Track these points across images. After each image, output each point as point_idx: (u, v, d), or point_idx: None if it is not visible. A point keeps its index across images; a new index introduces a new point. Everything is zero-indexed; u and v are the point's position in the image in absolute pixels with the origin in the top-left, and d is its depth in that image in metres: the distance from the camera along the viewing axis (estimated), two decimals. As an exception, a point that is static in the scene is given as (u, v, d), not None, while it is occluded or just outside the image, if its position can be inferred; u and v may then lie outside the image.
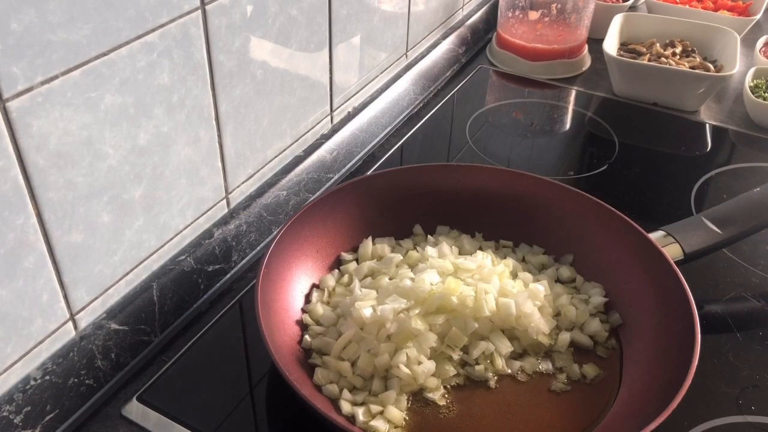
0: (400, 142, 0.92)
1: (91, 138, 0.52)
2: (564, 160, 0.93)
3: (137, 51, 0.53)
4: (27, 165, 0.48)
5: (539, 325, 0.61)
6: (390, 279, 0.65)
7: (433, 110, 0.99)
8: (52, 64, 0.47)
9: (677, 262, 0.63)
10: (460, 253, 0.69)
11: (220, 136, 0.65)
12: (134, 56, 0.53)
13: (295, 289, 0.65)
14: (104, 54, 0.51)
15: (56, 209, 0.51)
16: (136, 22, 0.52)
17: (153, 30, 0.54)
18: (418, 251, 0.69)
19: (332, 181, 0.83)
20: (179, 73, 0.58)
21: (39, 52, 0.46)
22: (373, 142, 0.91)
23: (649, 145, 0.95)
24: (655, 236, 0.66)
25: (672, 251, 0.65)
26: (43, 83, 0.47)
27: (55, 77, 0.48)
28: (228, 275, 0.70)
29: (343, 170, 0.85)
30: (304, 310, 0.64)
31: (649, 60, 1.01)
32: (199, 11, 0.58)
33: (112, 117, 0.53)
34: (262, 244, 0.73)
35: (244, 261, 0.71)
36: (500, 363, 0.60)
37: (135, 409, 0.57)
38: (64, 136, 0.50)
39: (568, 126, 1.00)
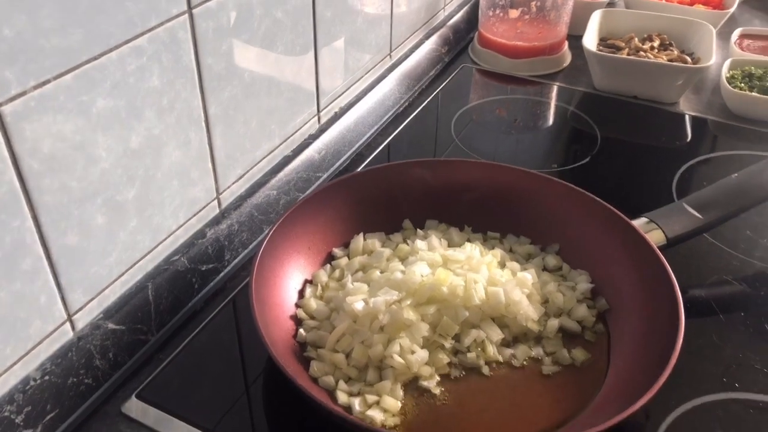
0: (386, 141, 0.94)
1: (84, 141, 0.53)
2: (548, 154, 0.95)
3: (127, 55, 0.54)
4: (22, 169, 0.49)
5: (528, 312, 0.63)
6: (381, 272, 0.66)
7: (418, 109, 1.01)
8: (44, 68, 0.48)
9: (660, 248, 0.65)
10: (449, 246, 0.71)
11: (209, 138, 0.67)
12: (124, 60, 0.54)
13: (289, 285, 0.66)
14: (95, 58, 0.52)
15: (52, 212, 0.52)
16: (125, 26, 0.53)
17: (142, 34, 0.55)
18: (408, 245, 0.70)
19: (321, 179, 0.84)
20: (168, 76, 0.59)
21: (32, 58, 0.47)
22: (360, 141, 0.92)
23: (631, 137, 0.97)
24: (638, 223, 0.68)
25: (655, 237, 0.67)
26: (36, 88, 0.48)
27: (48, 82, 0.49)
28: (221, 274, 0.71)
29: (332, 169, 0.86)
30: (297, 305, 0.65)
31: (628, 54, 1.03)
32: (186, 15, 0.59)
33: (105, 120, 0.54)
34: (254, 243, 0.74)
35: (236, 260, 0.72)
36: (491, 350, 0.61)
37: (134, 407, 0.58)
38: (57, 139, 0.51)
39: (550, 121, 1.02)
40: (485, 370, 0.61)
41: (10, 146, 0.47)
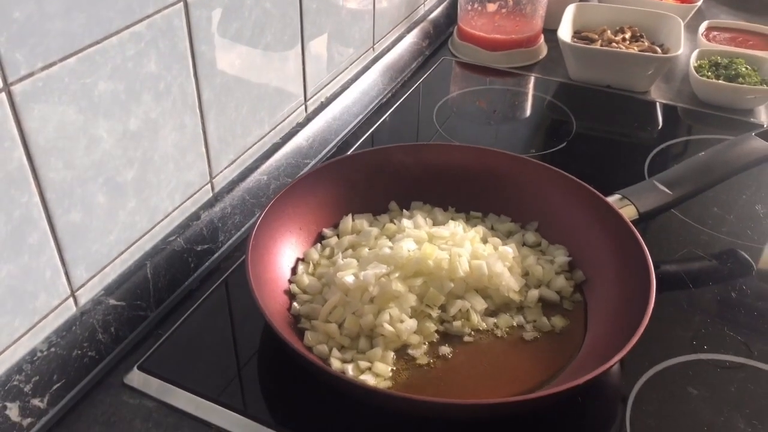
0: (371, 130, 0.97)
1: (87, 122, 0.56)
2: (526, 141, 0.99)
3: (127, 40, 0.57)
4: (30, 146, 0.51)
5: (510, 283, 0.66)
6: (369, 250, 0.69)
7: (401, 100, 1.04)
8: (50, 51, 0.51)
9: (633, 222, 0.69)
10: (433, 225, 0.74)
11: (203, 123, 0.69)
12: (124, 45, 0.57)
13: (282, 262, 0.69)
14: (97, 42, 0.54)
15: (57, 189, 0.55)
16: (125, 12, 0.56)
17: (140, 20, 0.58)
18: (395, 224, 0.73)
19: (309, 166, 0.87)
20: (165, 61, 0.62)
21: (39, 40, 0.50)
22: (346, 130, 0.95)
23: (605, 124, 1.01)
24: (612, 199, 0.71)
25: (628, 212, 0.71)
26: (43, 69, 0.50)
27: (54, 64, 0.51)
28: (216, 255, 0.73)
29: (319, 156, 0.89)
30: (290, 281, 0.68)
31: (601, 45, 1.08)
32: (182, 3, 0.62)
33: (105, 103, 0.57)
34: (247, 225, 0.77)
35: (230, 241, 0.75)
36: (476, 319, 0.64)
37: (137, 378, 0.60)
38: (62, 119, 0.53)
39: (528, 110, 1.06)
40: (470, 337, 0.64)
41: (19, 124, 0.50)
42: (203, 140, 0.70)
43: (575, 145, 0.95)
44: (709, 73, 1.04)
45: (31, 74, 0.50)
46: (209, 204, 0.73)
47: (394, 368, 0.61)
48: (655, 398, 0.60)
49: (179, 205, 0.70)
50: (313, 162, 0.88)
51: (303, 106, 0.88)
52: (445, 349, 0.63)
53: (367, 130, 0.97)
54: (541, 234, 0.75)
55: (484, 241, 0.71)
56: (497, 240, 0.71)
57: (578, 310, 0.67)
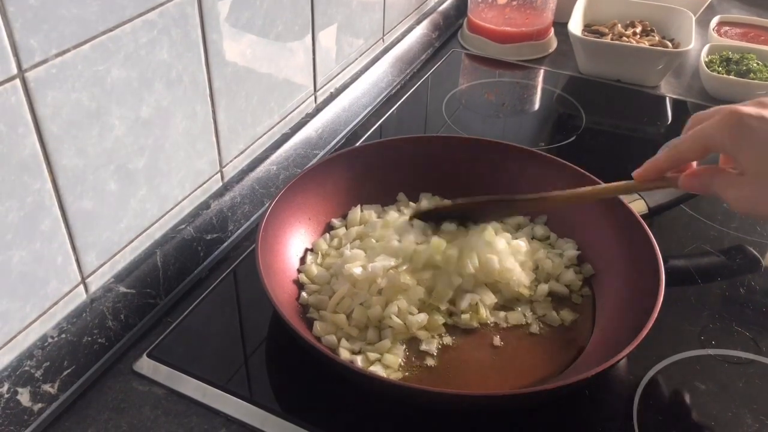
0: (380, 121, 0.97)
1: (100, 109, 0.56)
2: (535, 133, 0.99)
3: (139, 28, 0.57)
4: (43, 133, 0.51)
5: (520, 278, 0.66)
6: (377, 241, 0.69)
7: (410, 92, 1.04)
8: (65, 38, 0.51)
9: (642, 216, 0.69)
10: (442, 217, 0.74)
11: (214, 112, 0.69)
12: (137, 33, 0.57)
13: (291, 252, 0.69)
14: (110, 30, 0.54)
15: (69, 176, 0.55)
16: (137, 0, 0.56)
17: (153, 8, 0.58)
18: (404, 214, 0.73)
19: (318, 156, 0.87)
20: (177, 50, 0.62)
21: (53, 27, 0.50)
22: (355, 121, 0.95)
23: (614, 118, 1.01)
24: (622, 194, 0.71)
25: (637, 207, 0.71)
26: (57, 56, 0.51)
27: (68, 50, 0.51)
28: (225, 244, 0.73)
29: (328, 147, 0.89)
30: (299, 271, 0.68)
31: (612, 39, 1.07)
32: (194, -9, 0.62)
33: (118, 90, 0.57)
34: (256, 215, 0.77)
35: (239, 231, 0.75)
36: (484, 313, 0.64)
37: (146, 365, 0.61)
38: (75, 106, 0.53)
39: (537, 103, 1.06)
40: (478, 331, 0.64)
41: (33, 111, 0.50)
42: (214, 129, 0.70)
43: (584, 138, 0.94)
44: (720, 68, 1.03)
45: (45, 61, 0.50)
46: (219, 193, 0.73)
47: (403, 360, 0.61)
48: (662, 393, 0.60)
49: (189, 194, 0.70)
50: (322, 153, 0.88)
51: (312, 97, 0.88)
52: (454, 342, 0.63)
53: (376, 122, 0.97)
54: (550, 228, 0.75)
55: (496, 234, 0.71)
56: (507, 235, 0.71)
57: (587, 303, 0.67)
